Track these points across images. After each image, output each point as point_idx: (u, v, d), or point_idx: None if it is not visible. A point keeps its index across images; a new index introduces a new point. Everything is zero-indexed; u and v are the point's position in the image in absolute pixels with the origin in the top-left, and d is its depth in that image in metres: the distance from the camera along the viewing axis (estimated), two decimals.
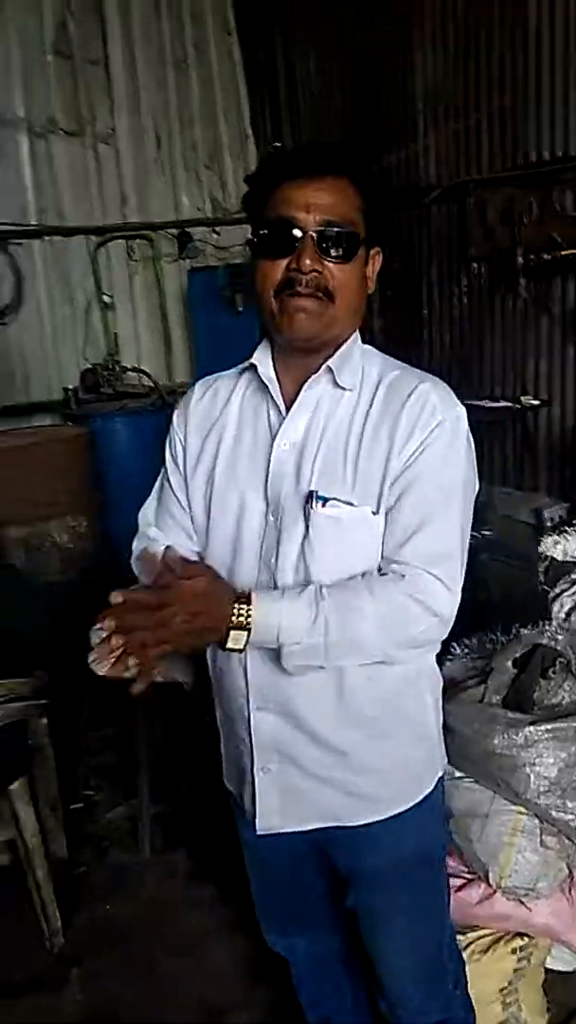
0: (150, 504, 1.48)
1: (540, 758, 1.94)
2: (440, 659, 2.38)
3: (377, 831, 1.40)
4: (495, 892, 1.97)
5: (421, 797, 1.43)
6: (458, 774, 2.06)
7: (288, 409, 1.31)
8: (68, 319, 4.52)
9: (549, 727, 1.96)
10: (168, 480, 1.44)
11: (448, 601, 1.26)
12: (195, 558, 1.38)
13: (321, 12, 4.62)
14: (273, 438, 1.31)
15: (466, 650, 2.37)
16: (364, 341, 1.35)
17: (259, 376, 1.33)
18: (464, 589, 1.29)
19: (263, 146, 5.37)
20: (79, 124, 4.53)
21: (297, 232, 1.19)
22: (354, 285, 1.25)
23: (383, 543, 1.28)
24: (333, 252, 1.21)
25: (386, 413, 1.27)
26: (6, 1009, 2.12)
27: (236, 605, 1.20)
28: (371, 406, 1.28)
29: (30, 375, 4.41)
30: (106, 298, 4.57)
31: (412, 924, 1.49)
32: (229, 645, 1.20)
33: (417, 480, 1.25)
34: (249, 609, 1.20)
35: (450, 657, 2.34)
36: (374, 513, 1.26)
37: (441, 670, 2.36)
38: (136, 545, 1.47)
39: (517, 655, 2.20)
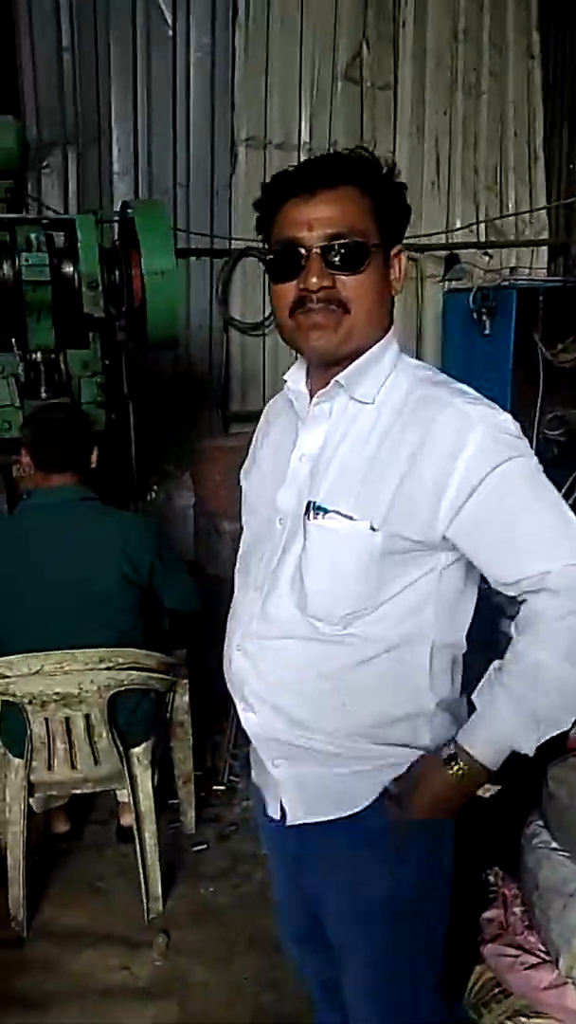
0: None
1: None
2: None
3: (345, 860, 1.35)
4: (568, 982, 1.75)
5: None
6: (553, 844, 1.87)
7: None
8: None
9: None
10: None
11: None
12: None
13: None
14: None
15: None
16: None
17: None
18: None
19: (557, 167, 5.21)
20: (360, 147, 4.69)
21: (302, 251, 1.19)
22: (370, 293, 1.22)
23: (503, 566, 1.22)
24: (341, 264, 1.19)
25: (411, 428, 1.21)
26: (84, 951, 2.29)
27: (449, 770, 1.22)
28: (395, 420, 1.24)
29: (279, 384, 4.65)
30: None
31: (369, 973, 1.40)
32: (479, 794, 1.27)
33: (506, 495, 1.19)
34: (461, 766, 1.22)
35: None
36: (373, 529, 1.21)
37: (570, 731, 2.16)
38: None
39: None
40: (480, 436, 1.17)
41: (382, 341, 1.28)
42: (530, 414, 4.11)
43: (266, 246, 1.27)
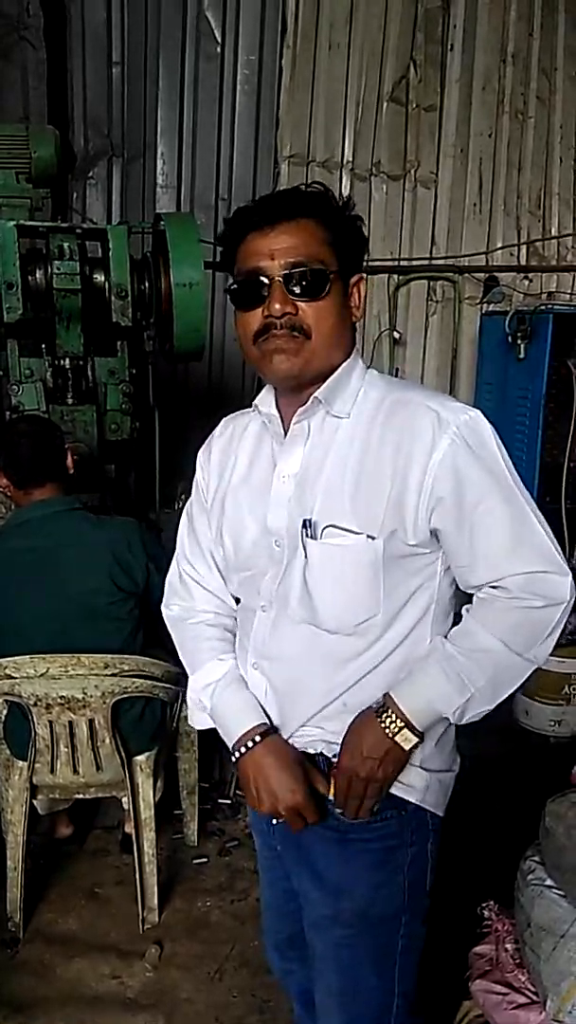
0: (180, 556, 1.53)
1: None
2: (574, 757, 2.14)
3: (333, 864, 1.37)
4: None
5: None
6: (548, 882, 1.82)
7: None
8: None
9: None
10: (195, 520, 1.49)
11: (563, 584, 1.24)
12: (229, 598, 1.48)
13: None
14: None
15: None
16: None
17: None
18: None
19: None
20: (403, 168, 4.70)
21: (264, 279, 1.22)
22: (332, 319, 1.25)
23: (467, 569, 1.27)
24: (303, 291, 1.22)
25: (389, 434, 1.25)
26: (76, 957, 2.29)
27: (380, 721, 1.26)
28: (371, 429, 1.27)
29: None
30: (396, 334, 4.67)
31: (341, 980, 1.40)
32: (407, 749, 1.27)
33: (473, 502, 1.23)
34: (391, 717, 1.26)
35: None
36: (372, 538, 1.24)
37: (573, 766, 2.12)
38: (169, 612, 1.55)
39: None
40: (451, 438, 1.21)
41: (347, 362, 1.31)
42: (563, 440, 4.06)
43: (230, 278, 1.30)
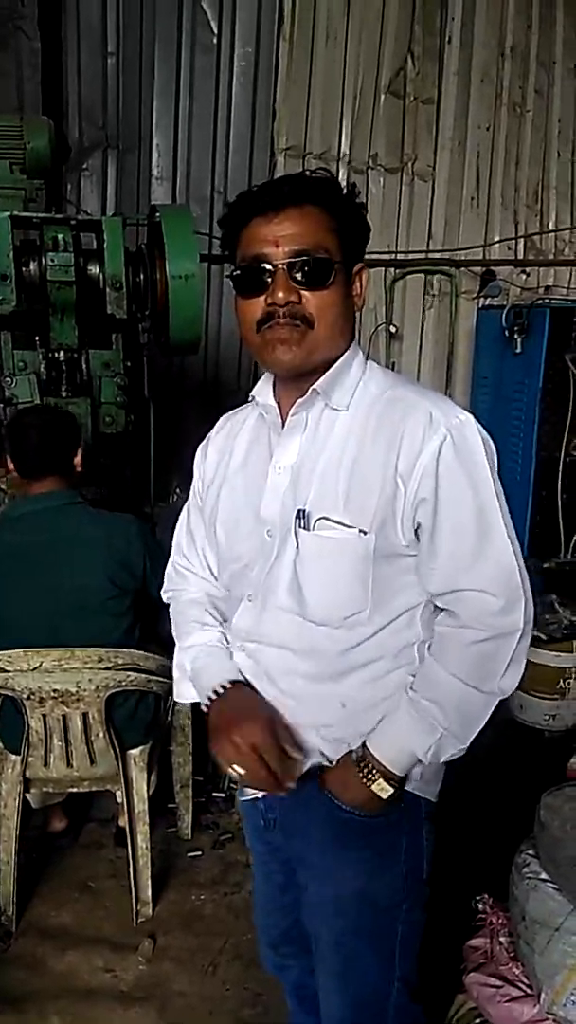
0: (176, 550, 1.55)
1: None
2: (569, 750, 2.14)
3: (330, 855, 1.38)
4: (549, 1019, 1.70)
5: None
6: (543, 875, 1.82)
7: None
8: None
9: None
10: (191, 519, 1.52)
11: (506, 614, 1.24)
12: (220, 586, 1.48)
13: None
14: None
15: None
16: None
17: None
18: None
19: None
20: (400, 161, 4.68)
21: (268, 267, 1.21)
22: (335, 309, 1.24)
23: (426, 574, 1.27)
24: (307, 280, 1.21)
25: (382, 430, 1.24)
26: (69, 950, 2.29)
27: (360, 773, 1.29)
28: (367, 424, 1.26)
29: None
30: (392, 328, 4.66)
31: (342, 966, 1.41)
32: (384, 797, 1.29)
33: (446, 504, 1.22)
34: (368, 767, 1.28)
35: None
36: (364, 532, 1.23)
37: (568, 760, 2.13)
38: (166, 596, 1.57)
39: None
40: (440, 440, 1.21)
41: (348, 352, 1.30)
42: (559, 435, 4.06)
43: (231, 263, 1.28)
